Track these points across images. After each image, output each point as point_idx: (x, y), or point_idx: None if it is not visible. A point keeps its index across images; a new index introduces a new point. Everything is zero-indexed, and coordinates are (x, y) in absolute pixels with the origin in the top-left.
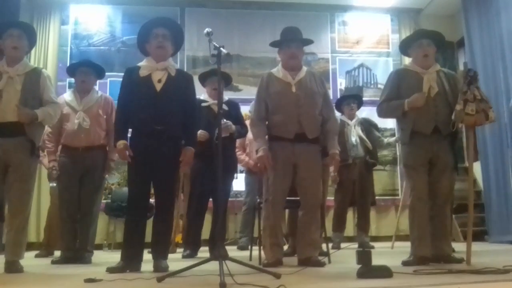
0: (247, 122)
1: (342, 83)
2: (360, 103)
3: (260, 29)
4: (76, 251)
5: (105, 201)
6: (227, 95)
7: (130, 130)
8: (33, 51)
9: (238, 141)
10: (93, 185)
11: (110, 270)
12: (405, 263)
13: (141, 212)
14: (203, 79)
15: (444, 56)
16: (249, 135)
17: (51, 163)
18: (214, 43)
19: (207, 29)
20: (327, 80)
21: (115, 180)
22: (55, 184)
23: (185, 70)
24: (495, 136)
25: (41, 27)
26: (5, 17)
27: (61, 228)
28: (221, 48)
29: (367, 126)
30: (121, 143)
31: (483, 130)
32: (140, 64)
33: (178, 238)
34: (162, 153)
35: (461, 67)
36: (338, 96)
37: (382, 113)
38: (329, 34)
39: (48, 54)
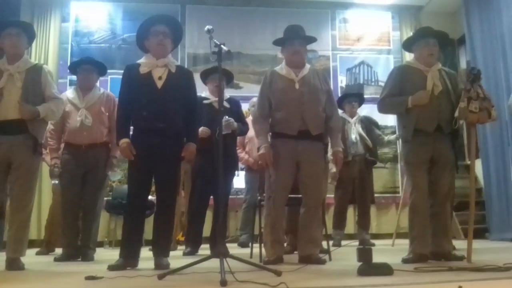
0: (247, 120)
1: (342, 80)
2: (361, 101)
3: (261, 27)
4: (78, 248)
5: (106, 198)
6: (227, 93)
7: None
8: (33, 49)
9: (237, 139)
10: (96, 183)
11: (111, 267)
12: (405, 261)
13: (140, 209)
14: (205, 76)
15: (445, 53)
16: (249, 133)
17: (53, 161)
18: (215, 40)
19: (207, 27)
20: (328, 77)
21: (117, 177)
22: (57, 182)
23: (186, 67)
24: (495, 134)
25: (41, 25)
26: (6, 14)
27: (63, 225)
28: (222, 46)
29: (368, 124)
30: (124, 141)
31: (483, 128)
32: (139, 61)
33: (179, 236)
34: (164, 150)
35: (462, 65)
36: (339, 94)
37: (383, 109)
38: (330, 31)
39: (48, 51)
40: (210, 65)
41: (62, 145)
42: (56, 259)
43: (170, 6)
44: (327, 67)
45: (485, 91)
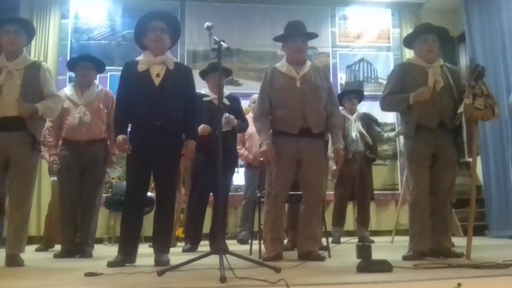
0: (248, 116)
1: (342, 77)
2: (361, 98)
3: (261, 23)
4: (78, 244)
5: (105, 195)
6: (227, 89)
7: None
8: (33, 45)
9: (237, 136)
10: (94, 179)
11: (110, 264)
12: (405, 258)
13: (138, 205)
14: (204, 74)
15: (445, 50)
16: (249, 129)
17: (52, 157)
18: (215, 37)
19: (207, 23)
20: (329, 74)
21: (117, 174)
22: (56, 178)
23: (185, 64)
24: (495, 131)
25: (41, 21)
26: (5, 10)
27: (62, 222)
28: (222, 42)
29: (368, 121)
30: (120, 137)
31: (483, 126)
32: (138, 58)
33: (179, 232)
34: (162, 148)
35: (462, 62)
36: (338, 91)
37: (386, 106)
38: (330, 28)
39: (48, 48)
40: (210, 62)
41: (60, 142)
42: (55, 256)
43: (170, 3)
44: (326, 64)
45: (488, 88)
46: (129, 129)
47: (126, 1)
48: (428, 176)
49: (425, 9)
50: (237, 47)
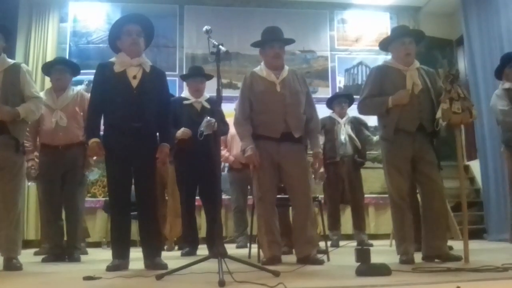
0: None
1: (341, 81)
2: (351, 102)
3: (260, 27)
4: (66, 248)
5: (104, 198)
6: (207, 93)
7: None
8: (32, 49)
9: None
10: (75, 183)
11: (109, 268)
12: (403, 262)
13: (125, 208)
14: (185, 77)
15: (443, 54)
16: (231, 130)
17: (30, 162)
18: (213, 40)
19: (206, 27)
20: (326, 78)
21: (96, 176)
22: (33, 183)
23: (184, 68)
24: (494, 134)
25: (40, 25)
26: (4, 14)
27: (47, 227)
28: (220, 46)
29: (357, 124)
30: (93, 141)
31: (482, 128)
32: (112, 59)
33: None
34: (139, 150)
35: (460, 65)
36: None
37: (364, 110)
38: (328, 32)
39: (47, 51)
40: (209, 65)
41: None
42: (43, 260)
43: (169, 7)
44: (325, 67)
45: (464, 91)
46: (101, 132)
47: (125, 5)
48: (407, 179)
49: (423, 13)
50: (236, 51)
